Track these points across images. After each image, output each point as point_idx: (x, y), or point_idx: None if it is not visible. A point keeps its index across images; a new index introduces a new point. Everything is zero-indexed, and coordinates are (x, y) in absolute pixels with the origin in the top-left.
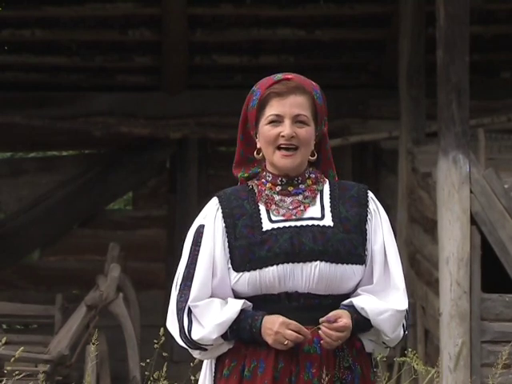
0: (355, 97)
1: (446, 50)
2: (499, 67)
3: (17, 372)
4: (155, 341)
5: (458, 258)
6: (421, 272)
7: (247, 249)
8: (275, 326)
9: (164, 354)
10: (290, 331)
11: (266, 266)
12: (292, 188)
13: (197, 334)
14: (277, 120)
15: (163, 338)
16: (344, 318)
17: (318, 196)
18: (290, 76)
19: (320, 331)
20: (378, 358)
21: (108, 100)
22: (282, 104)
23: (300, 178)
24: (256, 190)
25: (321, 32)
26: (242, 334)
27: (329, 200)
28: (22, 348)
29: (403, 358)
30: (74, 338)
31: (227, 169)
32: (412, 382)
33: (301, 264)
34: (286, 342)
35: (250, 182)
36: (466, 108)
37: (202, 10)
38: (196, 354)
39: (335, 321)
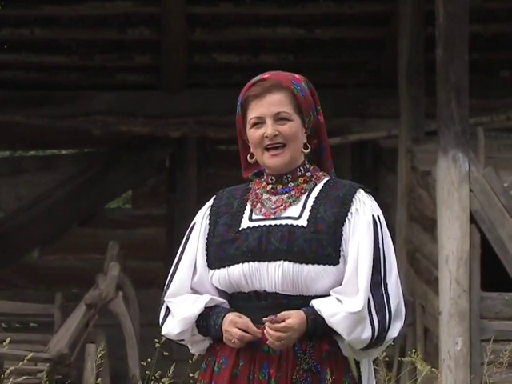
0: (355, 96)
1: (445, 49)
2: (498, 66)
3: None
4: (156, 340)
5: (457, 257)
6: (420, 271)
7: (219, 246)
8: (225, 324)
9: (165, 353)
10: (236, 329)
11: (233, 264)
12: (281, 186)
13: (164, 329)
14: (259, 122)
15: (164, 338)
16: (291, 319)
17: (305, 195)
18: (266, 76)
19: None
20: (380, 358)
21: (107, 99)
22: (260, 105)
23: (290, 176)
24: (252, 189)
25: (320, 31)
26: (210, 330)
27: (313, 200)
28: (29, 353)
29: (407, 358)
30: (73, 336)
31: (227, 168)
32: (413, 381)
33: (266, 263)
34: (232, 340)
35: (252, 181)
36: (465, 107)
37: (202, 9)
38: (190, 347)
39: (283, 321)
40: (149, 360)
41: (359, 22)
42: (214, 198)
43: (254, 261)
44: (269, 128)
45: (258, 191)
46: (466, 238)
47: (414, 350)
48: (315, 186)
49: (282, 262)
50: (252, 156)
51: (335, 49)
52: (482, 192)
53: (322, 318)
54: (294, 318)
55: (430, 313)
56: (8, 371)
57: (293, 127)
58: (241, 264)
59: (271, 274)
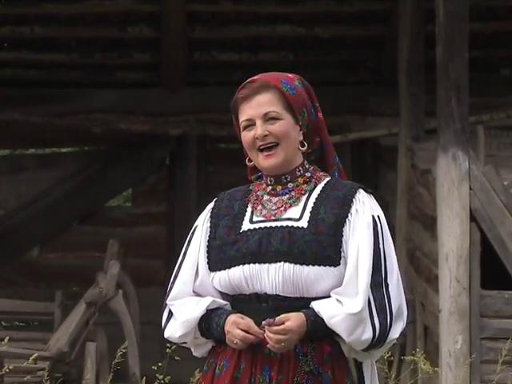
0: (354, 94)
1: (445, 47)
2: (498, 64)
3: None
4: (168, 345)
5: (457, 255)
6: (420, 269)
7: (220, 249)
8: (227, 326)
9: (177, 358)
10: (238, 331)
11: (234, 266)
12: (280, 187)
13: (167, 332)
14: (249, 124)
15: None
16: (290, 321)
17: (305, 196)
18: (255, 78)
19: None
20: (384, 356)
21: (107, 97)
22: (248, 107)
23: (289, 176)
24: (253, 191)
25: (320, 29)
26: (212, 332)
27: (314, 201)
28: (28, 352)
29: (410, 357)
30: (73, 334)
31: (227, 165)
32: (414, 380)
33: (266, 265)
34: (235, 342)
35: (253, 183)
36: (465, 105)
37: (202, 7)
38: (193, 350)
39: (282, 323)
40: (160, 364)
41: (359, 20)
42: (215, 200)
43: (254, 263)
44: (258, 129)
45: (258, 193)
46: (466, 236)
47: (417, 350)
48: (315, 186)
49: (282, 263)
50: (250, 160)
51: (335, 47)
52: (481, 190)
53: (322, 320)
54: (293, 320)
55: (430, 311)
56: (7, 369)
57: (283, 125)
58: (241, 266)
59: (272, 276)
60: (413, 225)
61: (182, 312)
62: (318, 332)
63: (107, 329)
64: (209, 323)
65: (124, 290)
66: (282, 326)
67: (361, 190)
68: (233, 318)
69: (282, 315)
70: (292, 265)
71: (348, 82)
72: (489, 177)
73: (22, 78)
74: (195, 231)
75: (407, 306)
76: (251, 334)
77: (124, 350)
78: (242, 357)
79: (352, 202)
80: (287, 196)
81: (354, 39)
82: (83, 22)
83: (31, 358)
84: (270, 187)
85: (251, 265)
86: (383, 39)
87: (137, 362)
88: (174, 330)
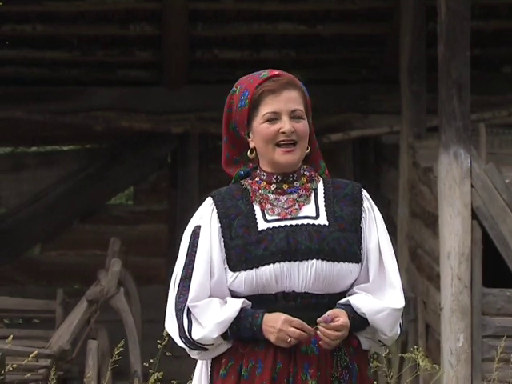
0: (356, 91)
1: (447, 45)
2: (500, 62)
3: (15, 365)
4: (159, 341)
5: (459, 253)
6: (422, 267)
7: (243, 248)
8: (278, 324)
9: (168, 354)
10: (293, 329)
11: (263, 265)
12: (287, 186)
13: (197, 334)
14: (274, 117)
15: (166, 339)
16: (341, 317)
17: (313, 194)
18: (276, 72)
19: (318, 331)
20: (382, 354)
21: (109, 95)
22: (277, 100)
23: (295, 175)
24: (250, 190)
25: (322, 27)
26: (242, 333)
27: (323, 198)
28: (30, 349)
29: (409, 355)
30: (75, 332)
31: None
32: (414, 378)
33: (297, 263)
34: (289, 340)
35: (243, 182)
36: (466, 103)
37: (203, 5)
38: (195, 354)
39: (332, 320)
40: (151, 361)
41: (361, 18)
42: (211, 199)
43: (284, 261)
44: (286, 124)
45: (261, 191)
46: (468, 234)
47: (415, 347)
48: (317, 184)
49: (314, 260)
50: (252, 151)
51: (337, 45)
52: (483, 188)
53: (359, 316)
54: (343, 316)
55: (432, 309)
56: (10, 368)
57: (306, 126)
58: (271, 264)
59: (303, 273)
60: (414, 223)
61: (211, 313)
62: (354, 328)
63: (109, 327)
64: (238, 324)
65: (125, 287)
66: (338, 322)
67: (362, 188)
68: (283, 316)
69: (331, 311)
70: (324, 262)
71: (350, 79)
72: (490, 175)
73: (24, 75)
74: (200, 232)
75: (407, 304)
76: (304, 331)
77: (122, 349)
78: (278, 356)
79: (362, 199)
80: (296, 194)
81: (355, 37)
82: (84, 20)
83: (31, 356)
84: (273, 186)
85: (282, 263)
86: (385, 37)
87: (138, 360)
88: (209, 332)
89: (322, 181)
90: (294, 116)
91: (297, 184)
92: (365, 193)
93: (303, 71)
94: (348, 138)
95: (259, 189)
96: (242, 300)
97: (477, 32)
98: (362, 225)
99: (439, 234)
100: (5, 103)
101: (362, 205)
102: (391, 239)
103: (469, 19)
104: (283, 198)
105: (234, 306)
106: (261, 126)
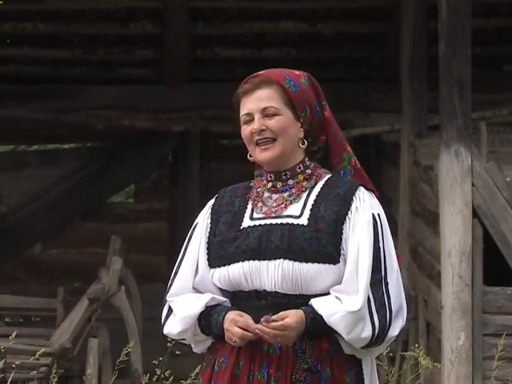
0: (357, 90)
1: (447, 44)
2: (501, 60)
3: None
4: (168, 339)
5: (459, 251)
6: (422, 265)
7: (219, 245)
8: (226, 323)
9: (177, 353)
10: (236, 328)
11: (233, 263)
12: (281, 184)
13: (166, 328)
14: (249, 119)
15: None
16: (289, 318)
17: (306, 193)
18: (259, 73)
19: (257, 330)
20: (384, 353)
21: (110, 93)
22: (248, 101)
23: (289, 173)
24: (253, 188)
25: (323, 25)
26: (212, 329)
27: (314, 198)
28: (31, 348)
29: (410, 353)
30: (75, 331)
31: (229, 162)
32: (415, 376)
33: (266, 262)
34: (233, 339)
35: (254, 180)
36: (467, 101)
37: (204, 3)
38: (193, 346)
39: (281, 320)
40: (160, 359)
41: (362, 17)
42: (215, 197)
43: (253, 259)
44: (255, 123)
45: (259, 190)
46: (469, 233)
47: (416, 345)
48: (316, 183)
49: (281, 260)
50: (251, 154)
51: (338, 43)
52: (484, 186)
53: (322, 317)
54: (291, 316)
55: (433, 307)
56: (13, 365)
57: (281, 121)
58: (241, 263)
59: (271, 273)
60: (415, 221)
61: (182, 308)
62: (317, 329)
63: (109, 325)
64: (208, 320)
65: (126, 286)
66: (280, 322)
67: (361, 188)
68: (231, 315)
69: (282, 312)
70: (291, 262)
71: (350, 78)
72: (491, 173)
73: (25, 74)
74: (196, 228)
75: (408, 301)
76: (249, 331)
77: (130, 349)
78: (241, 354)
79: (352, 199)
80: (287, 193)
81: (356, 35)
82: (86, 19)
83: (38, 354)
84: (270, 184)
85: (250, 261)
86: (386, 36)
87: (139, 358)
88: (173, 326)
89: (325, 179)
90: (266, 114)
91: (291, 182)
92: (359, 193)
93: (304, 69)
94: (349, 136)
95: (259, 187)
96: (209, 297)
97: (478, 30)
98: (345, 226)
99: (440, 232)
100: (6, 101)
101: (350, 205)
102: (393, 239)
103: (470, 17)
104: (275, 197)
105: (200, 302)
106: (242, 129)
